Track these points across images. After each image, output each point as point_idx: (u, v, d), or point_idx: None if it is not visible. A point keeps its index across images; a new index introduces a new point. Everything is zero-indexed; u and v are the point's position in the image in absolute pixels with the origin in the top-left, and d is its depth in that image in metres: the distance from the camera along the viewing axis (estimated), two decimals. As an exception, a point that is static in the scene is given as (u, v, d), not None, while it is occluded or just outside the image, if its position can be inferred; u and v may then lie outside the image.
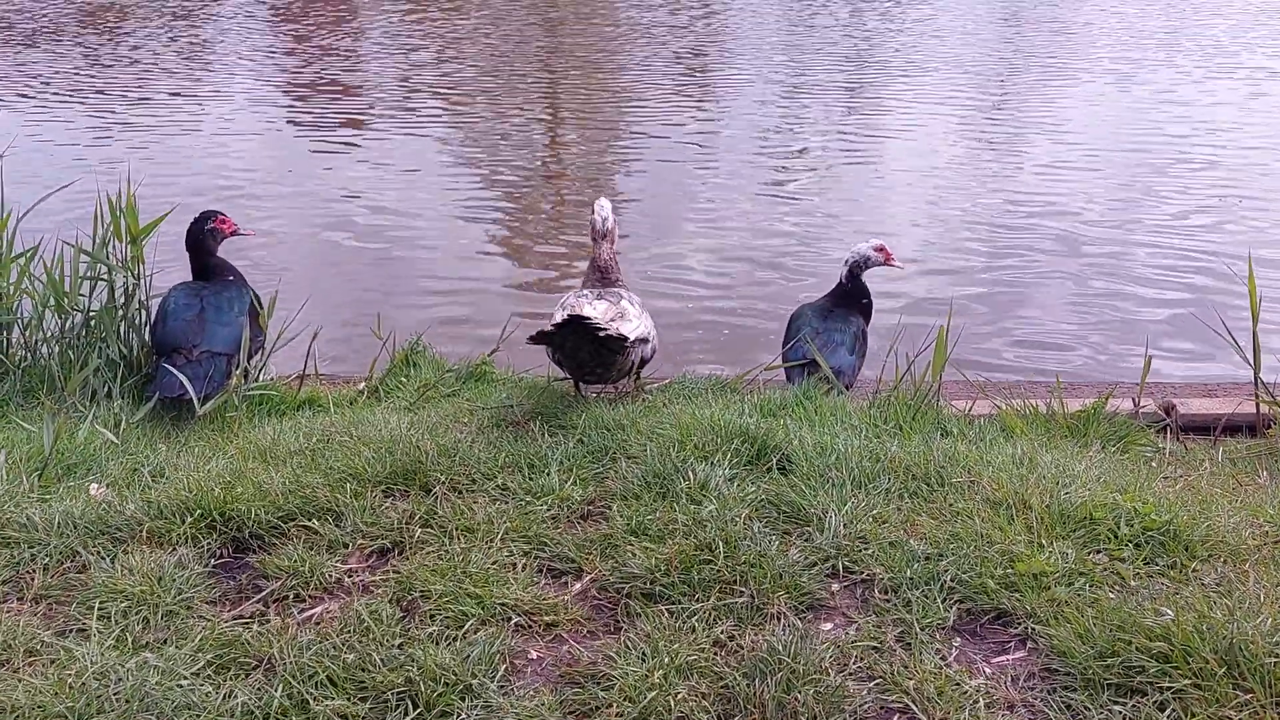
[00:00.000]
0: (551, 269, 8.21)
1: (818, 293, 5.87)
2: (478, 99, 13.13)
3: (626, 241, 8.59)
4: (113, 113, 12.49)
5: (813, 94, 13.04)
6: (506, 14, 19.01)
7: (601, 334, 4.25)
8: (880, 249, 5.39)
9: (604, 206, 4.91)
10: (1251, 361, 4.88)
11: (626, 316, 4.55)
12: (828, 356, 5.02)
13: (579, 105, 13.06)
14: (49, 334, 5.22)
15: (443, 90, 13.52)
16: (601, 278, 4.88)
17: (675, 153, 10.83)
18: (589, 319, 4.24)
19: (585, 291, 4.78)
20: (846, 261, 5.43)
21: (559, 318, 4.48)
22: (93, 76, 14.34)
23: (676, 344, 6.52)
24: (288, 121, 12.28)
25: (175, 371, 4.74)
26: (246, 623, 2.90)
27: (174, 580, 3.04)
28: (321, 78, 14.19)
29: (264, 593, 3.07)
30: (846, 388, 4.99)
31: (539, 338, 4.34)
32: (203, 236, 5.36)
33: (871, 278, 5.52)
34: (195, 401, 4.66)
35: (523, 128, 12.06)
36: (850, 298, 5.41)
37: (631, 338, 4.42)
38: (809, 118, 12.05)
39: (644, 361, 4.71)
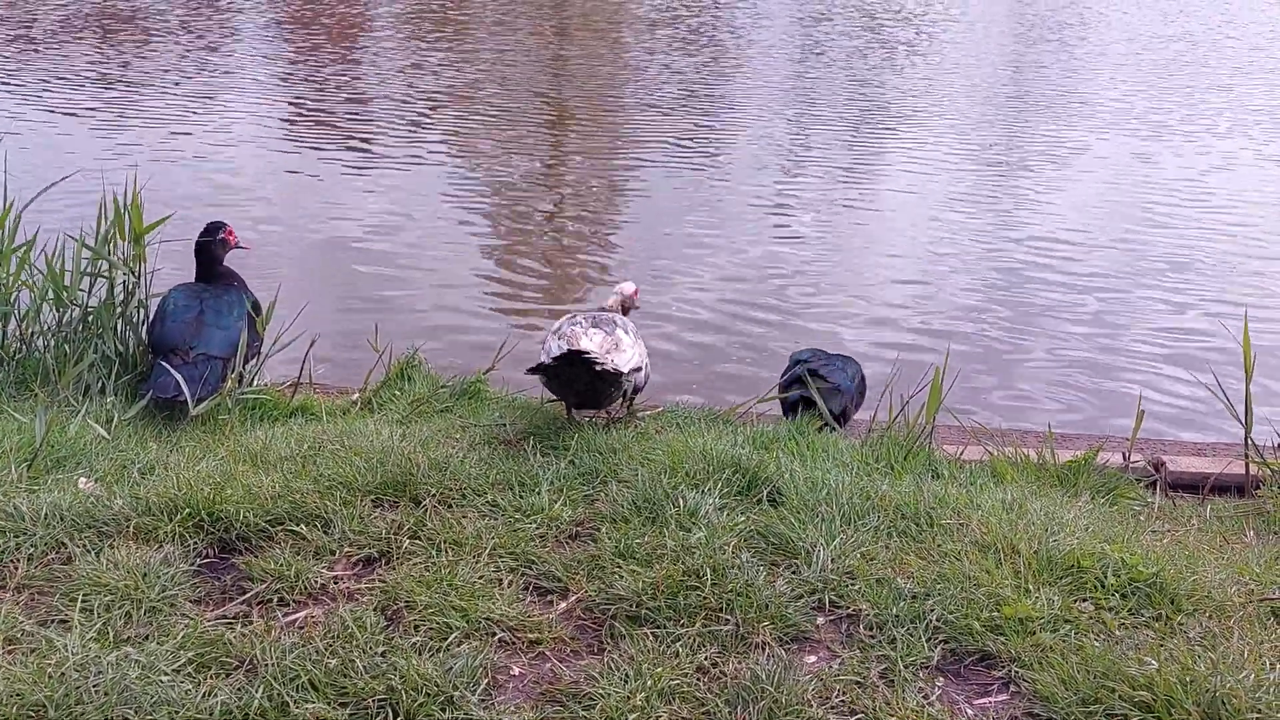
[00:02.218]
0: (547, 292, 8.23)
1: (810, 342, 5.92)
2: (482, 124, 13.18)
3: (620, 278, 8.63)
4: (121, 116, 12.52)
5: (816, 145, 13.10)
6: (513, 44, 19.13)
7: (598, 368, 4.28)
8: None
9: (629, 286, 5.28)
10: (1242, 421, 4.90)
11: (621, 347, 4.59)
12: (828, 373, 5.07)
13: (581, 134, 13.13)
14: (45, 327, 5.21)
15: (447, 113, 13.57)
16: (598, 308, 4.99)
17: (674, 196, 10.83)
18: (587, 352, 4.28)
19: (579, 318, 4.81)
20: None
21: (553, 347, 4.52)
22: (104, 79, 14.39)
23: (668, 382, 6.52)
24: (292, 136, 12.31)
25: (172, 372, 4.73)
26: (230, 623, 2.90)
27: (159, 577, 3.03)
28: (328, 96, 14.24)
29: (248, 594, 3.06)
30: (840, 410, 5.01)
31: (537, 370, 4.39)
32: (213, 245, 5.39)
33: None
34: (189, 404, 4.65)
35: (524, 154, 12.10)
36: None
37: (626, 370, 4.46)
38: (811, 169, 12.08)
39: (637, 389, 4.73)
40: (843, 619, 3.05)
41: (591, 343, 4.49)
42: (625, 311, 5.15)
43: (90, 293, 5.31)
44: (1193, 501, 4.74)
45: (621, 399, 4.68)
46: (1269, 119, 14.75)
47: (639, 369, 4.64)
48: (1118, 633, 2.95)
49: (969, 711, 2.73)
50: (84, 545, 3.19)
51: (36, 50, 16.08)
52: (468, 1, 22.66)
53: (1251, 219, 10.57)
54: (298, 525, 3.36)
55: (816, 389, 4.99)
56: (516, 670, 2.81)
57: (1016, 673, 2.82)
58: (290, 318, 5.56)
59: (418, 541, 3.32)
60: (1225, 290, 8.72)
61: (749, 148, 12.72)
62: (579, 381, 4.40)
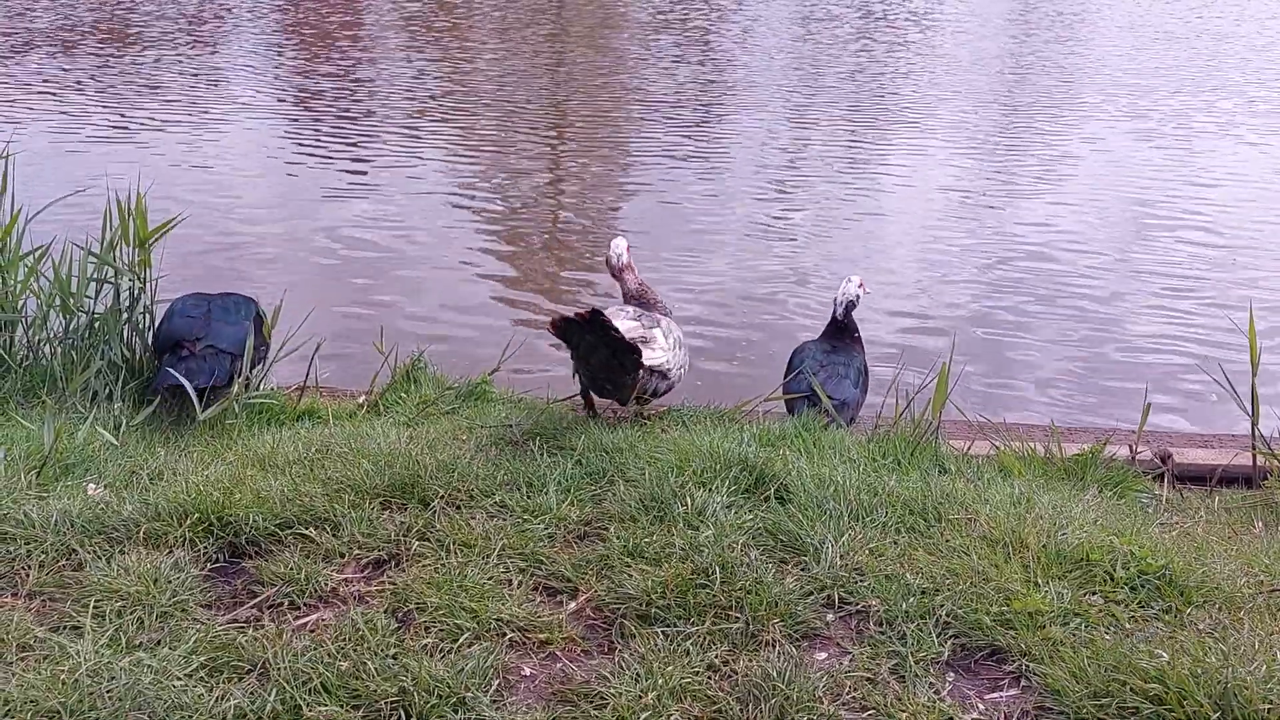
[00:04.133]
0: (552, 295, 8.23)
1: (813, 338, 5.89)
2: (482, 129, 13.18)
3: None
4: (122, 123, 12.55)
5: (816, 145, 13.08)
6: (513, 52, 19.13)
7: (614, 334, 4.22)
8: (860, 284, 5.51)
9: (617, 245, 5.03)
10: (1249, 412, 4.90)
11: (651, 343, 4.53)
12: (833, 388, 5.04)
13: (580, 138, 13.13)
14: (52, 334, 5.22)
15: (447, 120, 13.56)
16: (639, 304, 4.91)
17: (675, 201, 10.81)
18: (608, 320, 4.22)
19: (626, 308, 4.81)
20: (840, 302, 5.48)
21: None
22: (104, 87, 14.41)
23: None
24: (294, 143, 12.32)
25: (174, 373, 4.72)
26: (241, 627, 2.90)
27: (169, 582, 3.04)
28: (328, 103, 14.25)
29: (259, 598, 3.06)
30: (849, 421, 5.00)
31: (559, 324, 4.28)
32: None
33: (865, 320, 5.55)
34: (195, 400, 4.63)
35: (527, 160, 12.10)
36: (846, 331, 5.48)
37: (645, 356, 4.38)
38: (811, 170, 12.06)
39: (656, 394, 4.69)
40: (852, 615, 3.05)
41: (622, 326, 4.42)
42: (621, 271, 5.00)
43: (96, 299, 5.32)
44: (1200, 493, 4.74)
45: (643, 397, 4.63)
46: (1272, 119, 14.71)
47: (664, 374, 4.58)
48: (1127, 625, 2.95)
49: (980, 706, 2.73)
50: (94, 551, 3.20)
51: (31, 58, 16.10)
52: (461, 8, 22.65)
53: (1256, 214, 10.56)
54: (307, 528, 3.37)
55: (824, 409, 4.97)
56: (528, 671, 2.82)
57: (1027, 667, 2.82)
58: (296, 322, 5.57)
59: (427, 543, 3.32)
60: (1231, 283, 8.71)
61: (748, 148, 12.71)
62: (596, 354, 4.34)
